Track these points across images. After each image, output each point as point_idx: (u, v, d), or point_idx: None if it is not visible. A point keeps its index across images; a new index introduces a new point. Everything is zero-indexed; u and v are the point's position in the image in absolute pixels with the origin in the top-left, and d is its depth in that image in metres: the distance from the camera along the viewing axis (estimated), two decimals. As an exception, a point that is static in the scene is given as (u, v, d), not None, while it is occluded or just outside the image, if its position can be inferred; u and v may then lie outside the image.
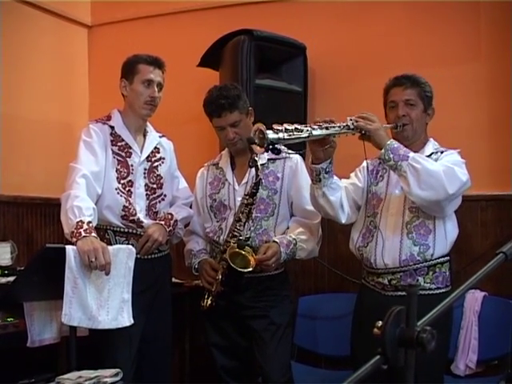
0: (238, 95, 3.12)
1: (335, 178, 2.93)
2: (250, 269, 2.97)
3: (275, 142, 2.57)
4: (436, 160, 2.87)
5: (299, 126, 2.64)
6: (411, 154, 2.72)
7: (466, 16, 3.87)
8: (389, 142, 2.73)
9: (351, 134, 2.77)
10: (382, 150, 2.73)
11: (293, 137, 2.61)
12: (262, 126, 2.61)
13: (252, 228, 3.11)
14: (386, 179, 3.00)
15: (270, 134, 2.55)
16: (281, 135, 2.57)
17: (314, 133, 2.67)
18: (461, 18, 3.88)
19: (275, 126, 2.58)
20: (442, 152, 2.92)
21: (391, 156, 2.72)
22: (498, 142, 3.76)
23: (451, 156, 2.87)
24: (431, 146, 2.97)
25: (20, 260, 3.85)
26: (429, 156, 2.90)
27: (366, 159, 2.98)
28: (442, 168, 2.72)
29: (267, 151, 2.70)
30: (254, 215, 3.08)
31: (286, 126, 2.60)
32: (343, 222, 3.02)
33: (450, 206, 2.83)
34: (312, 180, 2.92)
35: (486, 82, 3.83)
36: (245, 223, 3.02)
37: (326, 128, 2.70)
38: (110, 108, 3.30)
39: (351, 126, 2.74)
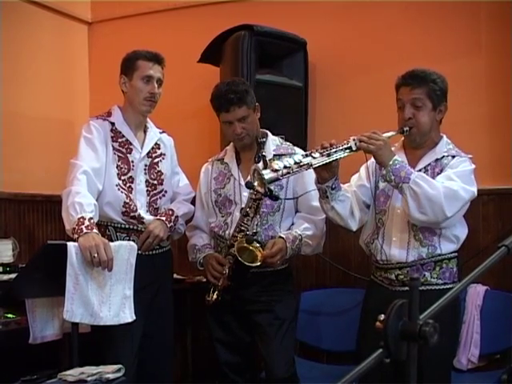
0: (247, 90, 3.12)
1: (343, 188, 2.92)
2: (258, 263, 2.97)
3: (273, 181, 2.57)
4: (445, 165, 2.84)
5: (299, 159, 2.63)
6: (413, 176, 2.69)
7: (466, 11, 3.86)
8: (391, 163, 2.71)
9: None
10: (384, 171, 2.74)
11: (293, 172, 2.61)
12: (258, 168, 2.62)
13: (258, 223, 3.11)
14: None
15: (267, 175, 2.54)
16: (279, 173, 2.56)
17: (315, 163, 2.66)
18: (461, 13, 3.87)
19: (273, 165, 2.58)
20: (453, 156, 2.86)
21: (393, 178, 2.71)
22: (499, 136, 3.75)
23: (460, 166, 2.82)
24: (444, 145, 2.91)
25: (22, 257, 3.84)
26: (439, 159, 2.87)
27: (366, 161, 2.98)
28: (443, 190, 2.69)
29: (265, 196, 2.75)
30: (260, 210, 3.08)
31: (285, 162, 2.59)
32: (354, 229, 3.02)
33: (451, 221, 2.80)
34: (319, 196, 2.91)
35: (486, 76, 3.82)
36: (252, 218, 3.02)
37: (328, 155, 2.68)
38: (111, 104, 3.30)
39: (354, 148, 2.72)
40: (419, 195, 2.67)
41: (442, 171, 2.83)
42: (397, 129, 2.88)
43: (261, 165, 3.01)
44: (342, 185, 2.92)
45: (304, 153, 2.73)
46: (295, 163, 2.61)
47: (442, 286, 2.83)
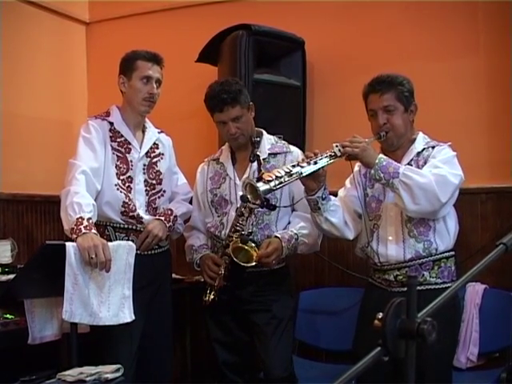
0: (240, 90, 3.12)
1: (332, 199, 2.94)
2: (253, 263, 2.98)
3: (267, 192, 2.60)
4: (428, 157, 2.87)
5: (288, 169, 2.67)
6: (401, 170, 2.72)
7: (464, 10, 3.86)
8: (377, 161, 2.74)
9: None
10: (372, 171, 2.75)
11: (285, 182, 2.64)
12: (251, 181, 2.66)
13: (254, 223, 3.12)
14: None
15: (261, 187, 2.58)
16: (272, 184, 2.59)
17: (304, 172, 2.70)
18: (459, 13, 3.87)
19: (265, 177, 2.62)
20: (433, 147, 2.90)
21: (382, 175, 2.73)
22: (497, 135, 3.75)
23: (442, 153, 2.85)
24: (421, 141, 2.94)
25: (20, 257, 3.84)
26: (420, 152, 2.90)
27: (352, 173, 3.01)
28: (433, 177, 2.71)
29: (262, 207, 2.80)
30: (256, 210, 3.08)
31: (276, 173, 2.63)
32: (351, 238, 3.03)
33: (446, 208, 2.82)
34: (311, 209, 2.92)
35: (484, 76, 3.82)
36: (247, 218, 3.02)
37: (315, 163, 2.72)
38: (109, 105, 3.30)
39: (338, 154, 2.76)
40: (411, 186, 2.68)
41: (425, 163, 2.85)
42: (372, 136, 2.90)
43: (255, 165, 3.03)
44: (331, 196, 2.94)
45: (292, 163, 2.76)
46: (286, 173, 2.65)
47: (441, 285, 2.84)
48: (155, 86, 3.17)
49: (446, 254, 2.88)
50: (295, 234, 3.11)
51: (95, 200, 3.00)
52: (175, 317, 3.41)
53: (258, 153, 3.04)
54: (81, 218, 2.81)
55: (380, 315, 1.32)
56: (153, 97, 3.17)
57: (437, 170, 2.76)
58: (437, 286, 2.83)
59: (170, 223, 3.19)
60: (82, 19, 4.81)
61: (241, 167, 3.22)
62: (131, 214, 3.12)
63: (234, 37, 3.85)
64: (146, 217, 3.16)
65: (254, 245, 3.02)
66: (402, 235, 2.87)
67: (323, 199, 2.85)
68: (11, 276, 3.26)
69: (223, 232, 3.16)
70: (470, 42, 3.85)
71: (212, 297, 3.13)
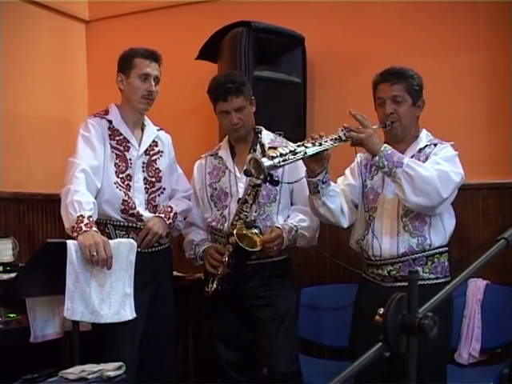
0: (244, 82, 3.17)
1: (332, 184, 2.94)
2: (258, 249, 2.98)
3: (271, 168, 2.59)
4: (430, 153, 2.87)
5: (293, 148, 2.65)
6: (405, 161, 2.72)
7: (464, 9, 3.85)
8: (382, 149, 2.74)
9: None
10: (376, 157, 2.75)
11: (288, 160, 2.63)
12: (256, 156, 2.65)
13: (257, 210, 3.12)
14: (380, 173, 2.97)
15: (266, 162, 2.56)
16: (276, 161, 2.58)
17: (308, 151, 2.68)
18: (459, 11, 3.86)
19: (269, 153, 2.61)
20: (435, 145, 2.91)
21: (385, 163, 2.73)
22: (498, 131, 3.75)
23: (444, 151, 2.86)
24: (424, 137, 2.96)
25: (22, 256, 3.84)
26: (423, 149, 2.91)
27: (354, 163, 3.04)
28: (436, 173, 2.72)
29: (265, 183, 2.77)
30: (258, 198, 3.09)
31: (280, 150, 2.61)
32: (345, 226, 3.04)
33: (445, 205, 2.83)
34: (310, 192, 2.92)
35: (484, 72, 3.81)
36: (251, 205, 3.04)
37: (320, 144, 2.71)
38: (110, 103, 3.29)
39: (343, 138, 2.75)
40: (414, 178, 2.69)
41: (426, 159, 2.86)
42: (378, 124, 2.90)
43: (258, 152, 3.04)
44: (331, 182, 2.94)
45: (297, 143, 2.74)
46: (290, 151, 2.63)
47: (435, 281, 2.85)
48: (153, 83, 3.16)
49: (440, 250, 2.89)
50: (295, 225, 3.14)
51: (95, 198, 3.00)
52: (177, 315, 3.41)
53: (262, 142, 3.07)
54: (81, 216, 2.81)
55: (381, 310, 1.32)
56: (151, 94, 3.17)
57: (438, 166, 2.77)
58: (430, 282, 2.84)
59: (170, 220, 3.19)
60: (81, 17, 4.80)
61: (240, 160, 3.22)
62: (131, 211, 3.12)
63: (233, 34, 3.84)
64: (145, 214, 3.16)
65: (257, 231, 3.03)
66: (397, 229, 2.88)
67: (323, 183, 2.85)
68: (13, 274, 3.26)
69: (226, 224, 3.17)
70: (471, 39, 3.84)
71: (215, 286, 3.13)
